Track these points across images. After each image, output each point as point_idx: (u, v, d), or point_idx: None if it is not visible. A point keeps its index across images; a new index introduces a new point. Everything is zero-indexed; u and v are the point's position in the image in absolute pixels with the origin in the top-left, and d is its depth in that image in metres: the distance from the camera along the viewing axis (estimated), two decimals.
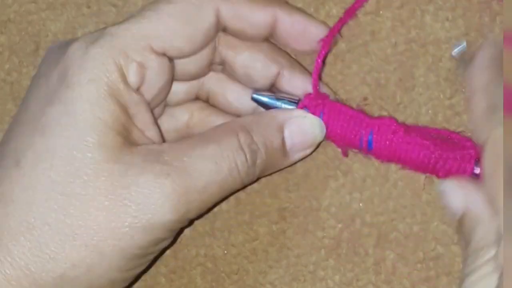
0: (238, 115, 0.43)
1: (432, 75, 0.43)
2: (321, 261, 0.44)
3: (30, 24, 0.47)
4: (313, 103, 0.41)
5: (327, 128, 0.41)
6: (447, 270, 0.43)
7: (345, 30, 0.44)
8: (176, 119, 0.44)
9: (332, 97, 0.42)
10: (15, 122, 0.39)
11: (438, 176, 0.40)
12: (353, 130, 0.41)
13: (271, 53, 0.42)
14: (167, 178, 0.37)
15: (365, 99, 0.43)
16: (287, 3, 0.43)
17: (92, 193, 0.36)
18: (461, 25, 0.43)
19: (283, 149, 0.41)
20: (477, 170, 0.39)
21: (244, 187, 0.41)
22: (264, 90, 0.42)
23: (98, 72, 0.37)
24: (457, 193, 0.38)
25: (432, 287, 0.43)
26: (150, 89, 0.39)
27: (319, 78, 0.42)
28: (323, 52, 0.41)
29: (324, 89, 0.43)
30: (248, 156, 0.39)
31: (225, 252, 0.45)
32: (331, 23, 0.44)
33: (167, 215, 0.37)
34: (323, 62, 0.42)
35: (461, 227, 0.38)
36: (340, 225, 0.44)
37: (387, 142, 0.40)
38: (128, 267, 0.38)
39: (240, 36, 0.41)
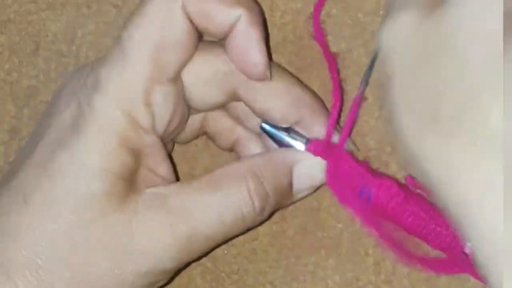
0: (244, 124, 0.43)
1: None
2: (321, 261, 0.44)
3: (30, 24, 0.47)
4: (318, 150, 0.41)
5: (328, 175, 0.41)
6: None
7: (345, 30, 0.44)
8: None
9: (346, 146, 0.41)
10: (25, 153, 0.39)
11: (429, 245, 0.41)
12: (354, 183, 0.40)
13: (291, 101, 0.40)
14: (170, 228, 0.38)
15: (366, 99, 0.43)
16: (256, 5, 0.40)
17: (97, 242, 0.37)
18: None
19: (290, 191, 0.41)
20: (467, 250, 0.39)
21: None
22: None
23: (107, 123, 0.37)
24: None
25: (432, 287, 0.43)
26: (161, 122, 0.39)
27: (336, 124, 0.41)
28: (337, 104, 0.41)
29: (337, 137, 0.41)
30: (256, 204, 0.39)
31: (225, 252, 0.45)
32: (331, 23, 0.44)
33: (168, 263, 0.38)
34: (339, 111, 0.41)
35: None
36: (340, 225, 0.44)
37: (385, 203, 0.40)
38: None
39: (202, 32, 0.40)
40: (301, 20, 0.44)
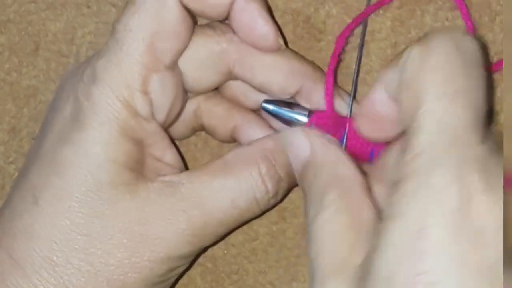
0: (244, 105, 0.43)
1: None
2: None
3: (30, 24, 0.47)
4: (320, 123, 0.40)
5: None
6: None
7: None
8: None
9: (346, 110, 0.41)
10: (32, 155, 0.39)
11: None
12: (362, 146, 0.40)
13: (290, 72, 0.40)
14: (182, 214, 0.38)
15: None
16: None
17: (111, 232, 0.37)
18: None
19: None
20: None
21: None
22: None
23: (107, 114, 0.38)
24: (301, 139, 0.38)
25: None
26: (161, 110, 0.39)
27: (335, 88, 0.41)
28: (332, 67, 0.41)
29: (341, 103, 0.41)
30: (270, 188, 0.39)
31: (225, 252, 0.45)
32: (331, 23, 0.44)
33: (183, 249, 0.38)
34: (335, 72, 0.41)
35: (304, 175, 0.38)
36: None
37: None
38: None
39: (201, 16, 0.40)
40: (301, 20, 0.44)
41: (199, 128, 0.44)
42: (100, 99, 0.38)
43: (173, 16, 0.38)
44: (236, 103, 0.42)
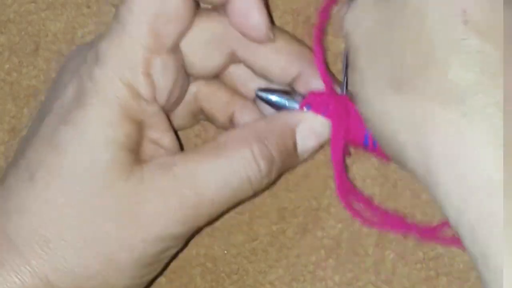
0: (241, 90, 0.43)
1: None
2: (320, 261, 0.44)
3: (30, 24, 0.47)
4: (317, 100, 0.41)
5: (331, 125, 0.41)
6: (447, 270, 0.43)
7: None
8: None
9: (340, 90, 0.41)
10: (30, 133, 0.40)
11: None
12: (358, 128, 0.40)
13: (291, 55, 0.41)
14: (175, 194, 0.38)
15: None
16: None
17: (105, 210, 0.37)
18: None
19: (295, 151, 0.41)
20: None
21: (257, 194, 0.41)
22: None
23: (108, 94, 0.38)
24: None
25: (432, 287, 0.43)
26: (162, 93, 0.39)
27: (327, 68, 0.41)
28: (318, 40, 0.41)
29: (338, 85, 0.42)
30: (262, 167, 0.39)
31: (225, 252, 0.45)
32: (331, 23, 0.44)
33: (176, 228, 0.38)
34: (322, 43, 0.41)
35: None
36: (340, 225, 0.44)
37: None
38: (142, 274, 0.39)
39: (202, 1, 0.40)
40: (301, 20, 0.44)
41: (198, 113, 0.44)
42: (102, 79, 0.38)
43: None
44: (235, 91, 0.43)
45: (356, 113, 0.39)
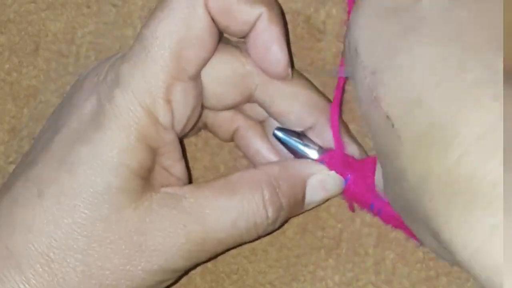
0: (248, 116, 0.43)
1: None
2: (320, 261, 0.44)
3: (30, 24, 0.47)
4: (335, 164, 0.41)
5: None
6: (447, 270, 0.43)
7: (345, 30, 0.44)
8: None
9: (356, 153, 0.41)
10: (41, 146, 0.39)
11: None
12: (368, 198, 0.40)
13: (309, 104, 0.41)
14: (183, 228, 0.38)
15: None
16: (277, 4, 0.41)
17: (111, 237, 0.37)
18: None
19: (302, 201, 0.41)
20: None
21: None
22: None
23: (128, 119, 0.37)
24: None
25: (432, 287, 0.43)
26: (180, 120, 0.39)
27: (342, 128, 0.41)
28: (335, 114, 0.41)
29: (350, 144, 0.42)
30: (270, 215, 0.39)
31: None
32: (331, 23, 0.44)
33: (179, 263, 0.38)
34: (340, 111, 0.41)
35: None
36: (340, 225, 0.44)
37: (396, 216, 0.39)
38: None
39: (223, 31, 0.40)
40: (301, 20, 0.44)
41: (203, 127, 0.44)
42: (122, 103, 0.37)
43: (202, 25, 0.38)
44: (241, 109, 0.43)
45: (368, 185, 0.40)
